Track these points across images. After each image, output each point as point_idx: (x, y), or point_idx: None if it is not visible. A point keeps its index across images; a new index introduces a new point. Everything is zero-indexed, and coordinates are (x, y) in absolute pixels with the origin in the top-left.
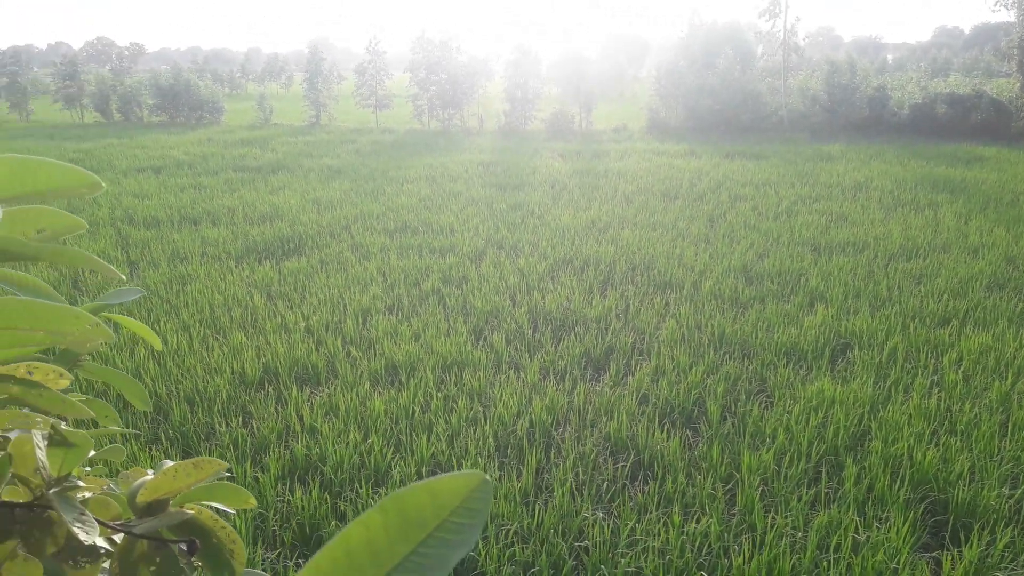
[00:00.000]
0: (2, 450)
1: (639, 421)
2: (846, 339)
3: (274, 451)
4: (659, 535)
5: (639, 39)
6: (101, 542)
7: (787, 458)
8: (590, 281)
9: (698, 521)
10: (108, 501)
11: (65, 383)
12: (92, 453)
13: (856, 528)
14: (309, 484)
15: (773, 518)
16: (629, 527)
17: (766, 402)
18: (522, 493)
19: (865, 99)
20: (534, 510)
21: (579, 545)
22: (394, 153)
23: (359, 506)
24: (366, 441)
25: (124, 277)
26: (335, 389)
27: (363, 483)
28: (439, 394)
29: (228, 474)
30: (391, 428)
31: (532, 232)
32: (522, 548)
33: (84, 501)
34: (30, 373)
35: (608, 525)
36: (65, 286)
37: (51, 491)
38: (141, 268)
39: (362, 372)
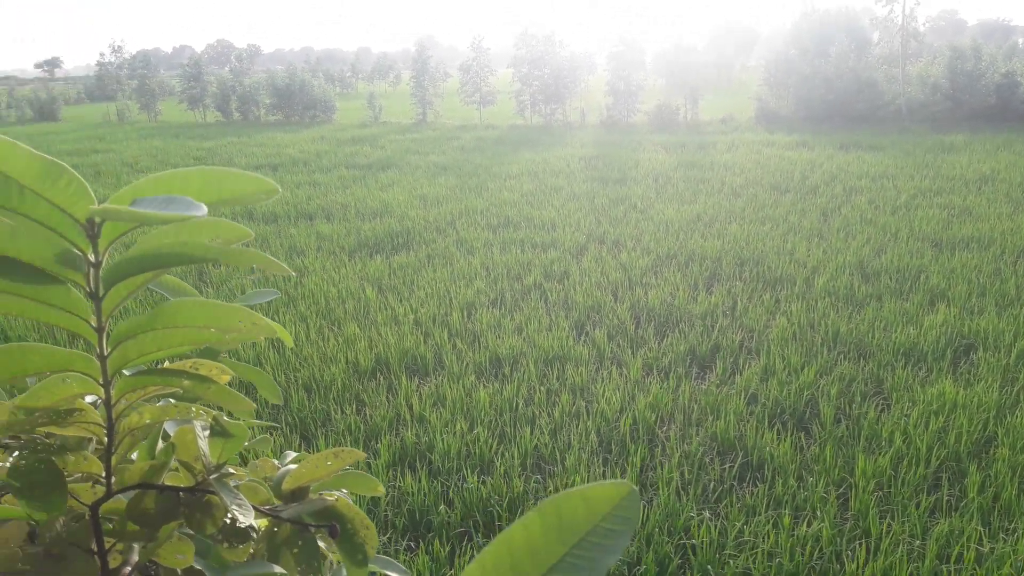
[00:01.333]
0: (163, 439)
1: (747, 421)
2: (969, 340)
3: (385, 438)
4: (768, 537)
5: (748, 28)
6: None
7: (904, 463)
8: (695, 277)
9: (809, 525)
10: (257, 487)
11: (226, 378)
12: (246, 444)
13: (980, 539)
14: (418, 471)
15: (889, 524)
16: (737, 528)
17: (883, 405)
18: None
19: (992, 86)
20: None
21: (685, 544)
22: (497, 149)
23: (465, 493)
24: (472, 431)
25: (294, 273)
26: (442, 380)
27: (469, 471)
28: (542, 388)
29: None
30: (496, 419)
31: (635, 226)
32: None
33: (237, 487)
34: (196, 369)
35: (715, 526)
36: (191, 278)
37: (212, 477)
38: None
39: (467, 364)
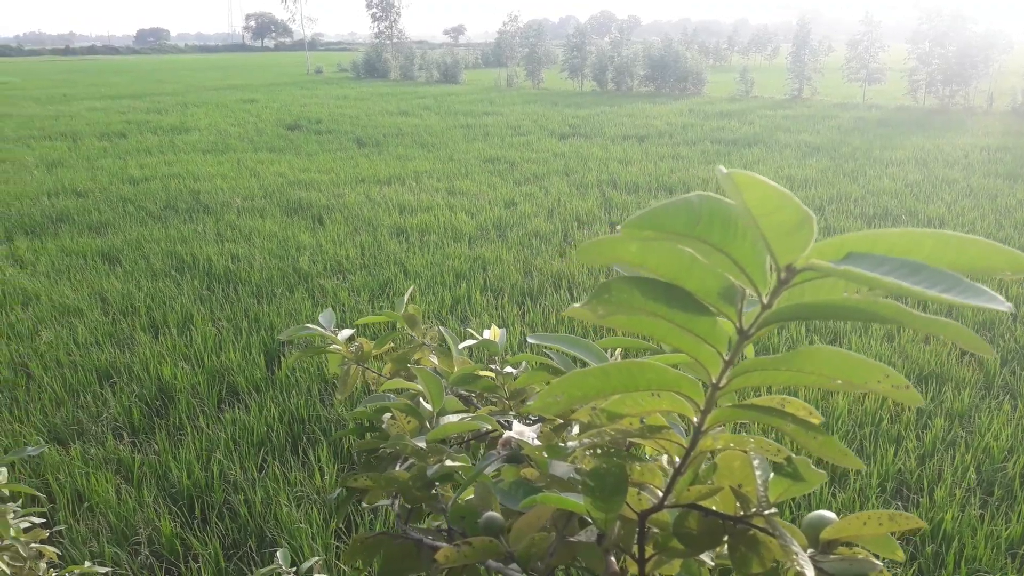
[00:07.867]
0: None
1: None
2: None
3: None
4: None
5: None
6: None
7: None
8: None
9: None
10: (794, 529)
11: (816, 421)
12: (814, 489)
13: None
14: None
15: None
16: None
17: None
18: (1008, 542)
19: None
20: None
21: None
22: (880, 131)
23: (811, 501)
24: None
25: (995, 354)
26: None
27: None
28: (912, 407)
29: None
30: (853, 431)
31: None
32: None
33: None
34: (782, 406)
35: None
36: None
37: (765, 513)
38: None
39: None
